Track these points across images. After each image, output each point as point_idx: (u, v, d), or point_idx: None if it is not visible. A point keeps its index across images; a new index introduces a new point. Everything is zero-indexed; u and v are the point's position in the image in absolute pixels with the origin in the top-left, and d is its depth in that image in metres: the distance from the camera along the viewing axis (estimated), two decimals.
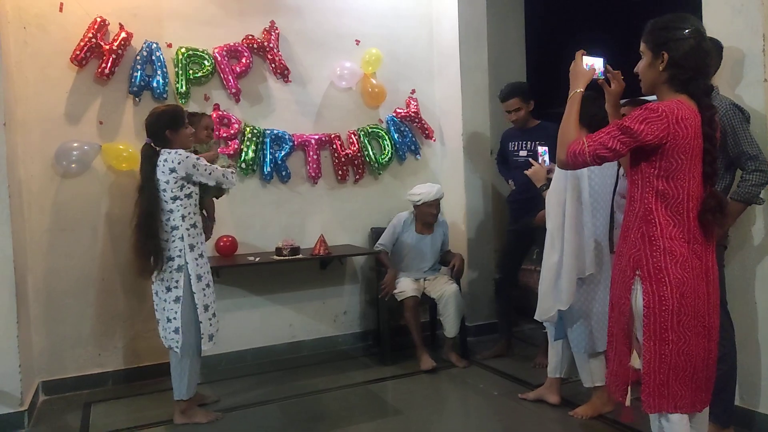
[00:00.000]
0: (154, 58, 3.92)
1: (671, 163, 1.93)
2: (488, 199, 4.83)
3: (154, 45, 3.92)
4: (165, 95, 3.95)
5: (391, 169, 4.76)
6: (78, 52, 3.71)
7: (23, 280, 3.50)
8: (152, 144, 3.12)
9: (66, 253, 3.77)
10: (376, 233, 4.50)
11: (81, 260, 3.81)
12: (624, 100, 2.51)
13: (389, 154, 4.68)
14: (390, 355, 4.16)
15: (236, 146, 4.18)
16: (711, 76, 2.56)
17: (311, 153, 4.43)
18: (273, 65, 4.29)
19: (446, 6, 4.76)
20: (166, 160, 3.05)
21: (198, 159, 3.12)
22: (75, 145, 3.72)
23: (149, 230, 3.05)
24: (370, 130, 4.64)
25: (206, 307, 3.15)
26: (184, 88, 4.01)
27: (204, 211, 3.47)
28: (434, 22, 4.91)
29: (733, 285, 2.82)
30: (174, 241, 3.08)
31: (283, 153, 4.32)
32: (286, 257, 4.03)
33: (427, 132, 4.84)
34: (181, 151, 3.07)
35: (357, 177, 4.62)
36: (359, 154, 4.58)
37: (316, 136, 4.44)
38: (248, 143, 4.21)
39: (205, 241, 3.30)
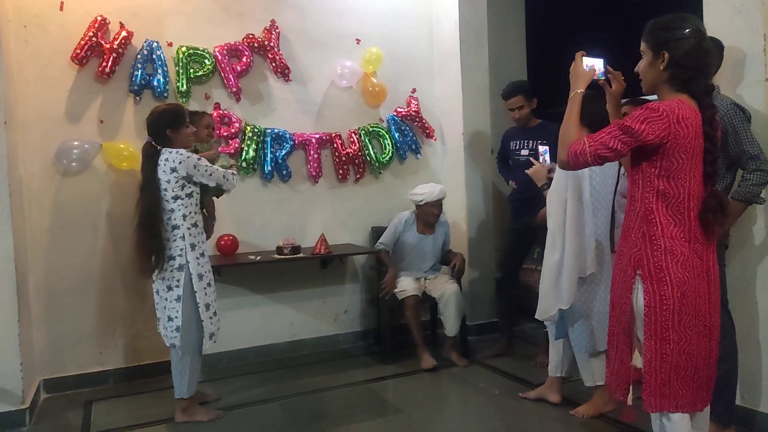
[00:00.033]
0: (154, 56, 3.92)
1: (672, 163, 1.93)
2: (489, 199, 4.83)
3: (155, 44, 3.92)
4: (166, 94, 3.95)
5: (392, 169, 4.76)
6: (78, 51, 3.71)
7: (24, 278, 3.51)
8: (153, 143, 3.12)
9: (67, 252, 3.77)
10: (377, 232, 4.50)
11: (82, 259, 3.81)
12: (625, 100, 2.51)
13: (390, 154, 4.68)
14: (391, 354, 4.17)
15: (237, 145, 4.18)
16: (712, 76, 2.56)
17: (312, 152, 4.43)
18: (273, 64, 4.29)
19: (446, 5, 4.75)
20: (167, 160, 3.05)
21: (199, 159, 3.12)
22: (75, 143, 3.72)
23: (151, 230, 3.05)
24: (370, 130, 4.64)
25: (207, 306, 3.15)
26: (184, 87, 4.01)
27: (204, 210, 3.47)
28: (434, 22, 4.90)
29: (734, 284, 2.82)
30: (175, 240, 3.08)
31: (283, 152, 4.32)
32: (287, 256, 4.04)
33: (427, 131, 4.84)
34: (182, 151, 3.08)
35: (358, 176, 4.62)
36: (360, 154, 4.58)
37: (317, 135, 4.44)
38: (249, 142, 4.21)
39: (206, 239, 3.30)
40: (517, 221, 4.16)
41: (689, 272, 1.93)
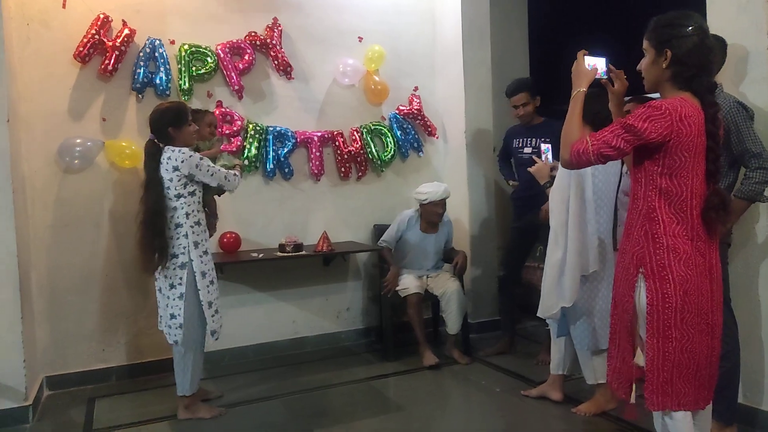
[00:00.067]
0: (157, 54, 3.92)
1: (675, 161, 1.93)
2: (491, 197, 4.82)
3: (157, 42, 3.92)
4: (168, 92, 3.96)
5: (394, 167, 4.76)
6: (81, 49, 3.71)
7: (27, 276, 3.52)
8: (156, 141, 3.13)
9: (69, 250, 3.78)
10: (379, 230, 4.50)
11: (84, 256, 3.82)
12: (628, 98, 2.51)
13: (392, 151, 4.68)
14: (393, 352, 4.17)
15: (239, 143, 4.18)
16: (714, 74, 2.55)
17: (314, 150, 4.43)
18: (276, 62, 4.29)
19: (449, 2, 4.74)
20: (169, 158, 3.06)
21: (201, 159, 3.12)
22: (78, 141, 3.73)
23: (156, 227, 3.06)
24: (372, 127, 4.64)
25: (210, 304, 3.15)
26: (187, 84, 4.01)
27: (206, 208, 3.47)
28: (437, 19, 4.89)
29: (737, 282, 2.82)
30: (178, 238, 3.09)
31: (285, 150, 4.32)
32: (290, 254, 4.04)
33: (429, 129, 4.84)
34: (184, 149, 3.08)
35: (360, 174, 4.62)
36: (362, 151, 4.58)
37: (319, 133, 4.44)
38: (251, 140, 4.21)
39: (209, 237, 3.31)
40: (519, 219, 4.16)
41: (692, 270, 1.93)
